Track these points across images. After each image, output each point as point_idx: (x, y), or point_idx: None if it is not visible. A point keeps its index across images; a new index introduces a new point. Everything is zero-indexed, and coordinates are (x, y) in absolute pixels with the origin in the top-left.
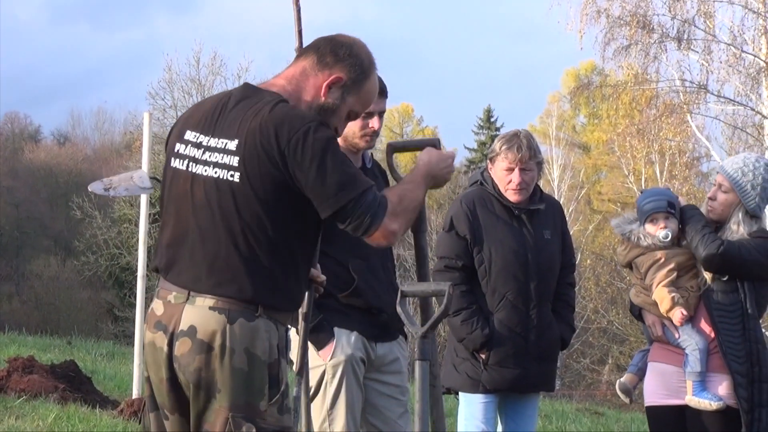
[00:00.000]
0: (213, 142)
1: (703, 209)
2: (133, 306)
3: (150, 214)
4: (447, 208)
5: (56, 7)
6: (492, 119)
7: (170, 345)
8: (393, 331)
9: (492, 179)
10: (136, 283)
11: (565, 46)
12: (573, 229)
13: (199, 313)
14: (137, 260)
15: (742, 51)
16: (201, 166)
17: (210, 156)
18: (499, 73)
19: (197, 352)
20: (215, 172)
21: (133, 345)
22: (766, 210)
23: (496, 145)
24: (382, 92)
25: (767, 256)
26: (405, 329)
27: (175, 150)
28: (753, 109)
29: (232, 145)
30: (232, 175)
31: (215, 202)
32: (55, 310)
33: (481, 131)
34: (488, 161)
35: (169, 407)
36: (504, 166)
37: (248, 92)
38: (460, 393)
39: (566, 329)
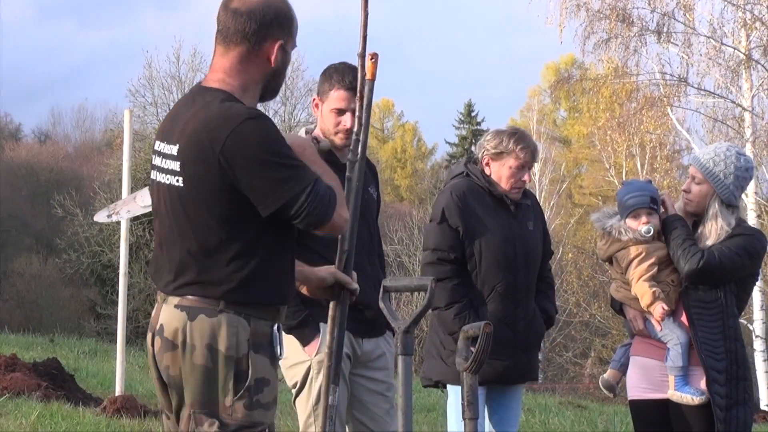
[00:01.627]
0: (165, 149)
1: (679, 203)
2: (115, 303)
3: None
4: (429, 203)
5: (42, 4)
6: (473, 114)
7: (152, 344)
8: (379, 327)
9: (481, 172)
10: (118, 281)
11: (545, 40)
12: (554, 223)
13: (167, 311)
14: (119, 258)
15: (722, 44)
16: (161, 175)
17: (163, 163)
18: (479, 68)
19: (165, 350)
20: (167, 179)
21: (116, 342)
22: (743, 197)
23: (507, 141)
24: (357, 90)
25: (747, 256)
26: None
27: (153, 162)
28: (733, 102)
29: (175, 150)
30: (177, 180)
31: (169, 208)
32: (37, 308)
33: (461, 126)
34: (487, 156)
35: (165, 407)
36: (515, 163)
37: (193, 94)
38: (448, 386)
39: (551, 306)
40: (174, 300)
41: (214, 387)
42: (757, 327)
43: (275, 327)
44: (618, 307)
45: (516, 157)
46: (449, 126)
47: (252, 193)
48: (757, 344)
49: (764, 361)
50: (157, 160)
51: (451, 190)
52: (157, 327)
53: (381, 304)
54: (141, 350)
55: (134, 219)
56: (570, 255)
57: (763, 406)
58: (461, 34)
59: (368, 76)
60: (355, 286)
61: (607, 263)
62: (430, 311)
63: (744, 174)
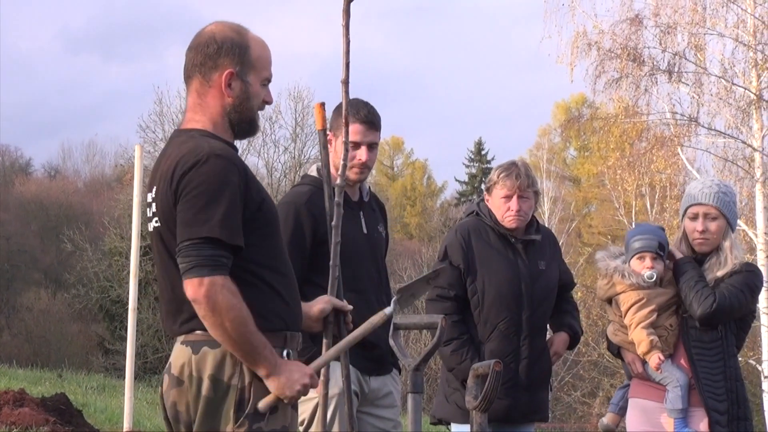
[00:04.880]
0: (149, 197)
1: (681, 248)
2: (123, 339)
3: (141, 247)
4: (438, 241)
5: (68, 38)
6: (483, 152)
7: (161, 384)
8: (387, 365)
9: (489, 210)
10: (126, 316)
11: (556, 79)
12: None
13: (175, 350)
14: (128, 293)
15: (733, 84)
16: (150, 223)
17: (149, 210)
18: (490, 106)
19: (172, 387)
20: (152, 225)
21: (124, 378)
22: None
23: (494, 174)
24: (372, 124)
25: (749, 293)
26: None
27: (147, 214)
28: (744, 142)
29: (153, 193)
30: (157, 222)
31: (156, 251)
32: (46, 343)
33: (471, 164)
34: (485, 192)
35: None
36: (502, 193)
37: (174, 137)
38: (451, 424)
39: (576, 324)
40: (180, 338)
41: (217, 417)
42: (766, 367)
43: (285, 353)
44: (616, 350)
45: (500, 187)
46: (459, 164)
47: (178, 221)
48: (766, 385)
49: None
50: (147, 210)
51: (457, 229)
52: (167, 367)
53: (391, 342)
54: (149, 386)
55: (143, 254)
56: (579, 294)
57: None
58: (472, 73)
59: (317, 126)
60: (349, 307)
61: (606, 303)
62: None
63: (735, 200)
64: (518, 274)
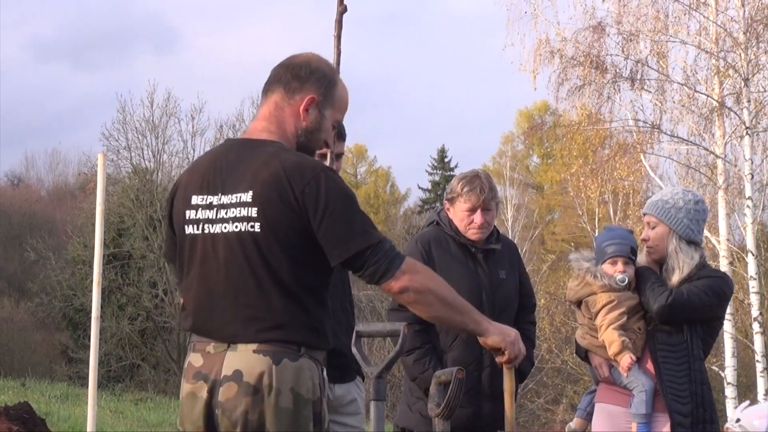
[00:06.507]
0: (226, 199)
1: (642, 256)
2: (87, 347)
3: (104, 255)
4: (401, 248)
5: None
6: (446, 159)
7: (211, 392)
8: (351, 372)
9: (449, 220)
10: (90, 325)
11: (519, 86)
12: (527, 269)
13: (244, 357)
14: (91, 302)
15: (695, 91)
16: (219, 225)
17: (226, 213)
18: (452, 114)
19: (244, 395)
20: (236, 227)
21: (88, 386)
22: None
23: (457, 186)
24: (340, 135)
25: (715, 296)
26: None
27: (186, 217)
28: (706, 149)
29: (247, 197)
30: (252, 226)
31: (241, 255)
32: (9, 351)
33: (435, 171)
34: (446, 201)
35: None
36: (465, 207)
37: (247, 145)
38: None
39: (525, 363)
40: (251, 346)
41: (298, 430)
42: (729, 374)
43: (324, 372)
44: (583, 354)
45: (464, 200)
46: (422, 171)
47: (326, 241)
48: (729, 391)
49: (735, 408)
50: (205, 213)
51: (417, 239)
52: (224, 374)
53: (353, 349)
54: (113, 394)
55: (107, 263)
56: (543, 301)
57: None
58: (436, 80)
59: None
60: None
61: (575, 307)
62: None
63: (695, 207)
64: (479, 283)
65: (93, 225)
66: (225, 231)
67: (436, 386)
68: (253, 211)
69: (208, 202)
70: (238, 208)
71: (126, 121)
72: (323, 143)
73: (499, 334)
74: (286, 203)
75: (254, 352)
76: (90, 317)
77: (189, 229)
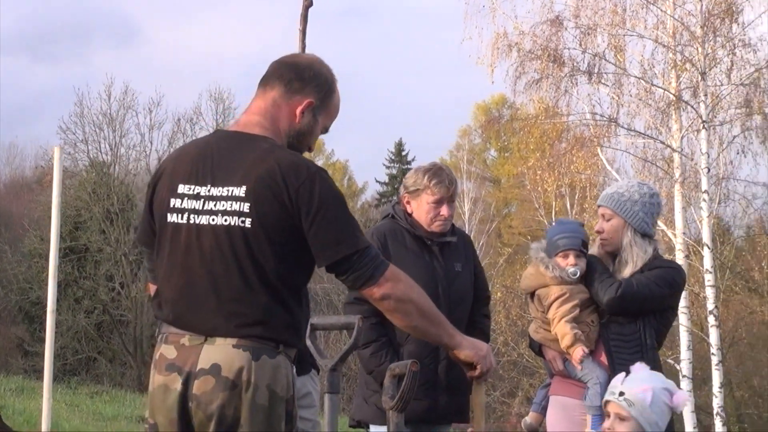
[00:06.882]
0: (215, 191)
1: (593, 249)
2: (43, 341)
3: (60, 249)
4: None
5: None
6: (403, 153)
7: (185, 384)
8: (306, 365)
9: (404, 213)
10: (46, 318)
11: (476, 80)
12: (483, 263)
13: (223, 351)
14: (47, 295)
15: (652, 84)
16: (205, 216)
17: (215, 205)
18: (411, 108)
19: (221, 390)
20: (225, 220)
21: (43, 380)
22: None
23: (422, 178)
24: None
25: (667, 286)
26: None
27: (171, 205)
28: (663, 143)
29: (240, 191)
30: (243, 221)
31: (228, 249)
32: None
33: (392, 165)
34: (406, 194)
35: None
36: (432, 199)
37: (240, 138)
38: (370, 426)
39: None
40: (231, 340)
41: (271, 428)
42: (684, 367)
43: (294, 369)
44: (537, 348)
45: (431, 193)
46: (380, 165)
47: (315, 242)
48: (684, 384)
49: (690, 401)
50: (191, 203)
51: (373, 232)
52: (200, 367)
53: (308, 342)
54: (68, 388)
55: (63, 256)
56: (499, 294)
57: None
58: (394, 74)
59: None
60: None
61: (528, 298)
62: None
63: (650, 200)
64: (435, 276)
65: (50, 218)
66: (213, 223)
67: (390, 379)
68: (245, 207)
69: (195, 192)
70: (230, 202)
71: (83, 115)
72: (308, 147)
73: (471, 349)
74: (279, 201)
75: (234, 346)
76: (46, 310)
77: (172, 218)
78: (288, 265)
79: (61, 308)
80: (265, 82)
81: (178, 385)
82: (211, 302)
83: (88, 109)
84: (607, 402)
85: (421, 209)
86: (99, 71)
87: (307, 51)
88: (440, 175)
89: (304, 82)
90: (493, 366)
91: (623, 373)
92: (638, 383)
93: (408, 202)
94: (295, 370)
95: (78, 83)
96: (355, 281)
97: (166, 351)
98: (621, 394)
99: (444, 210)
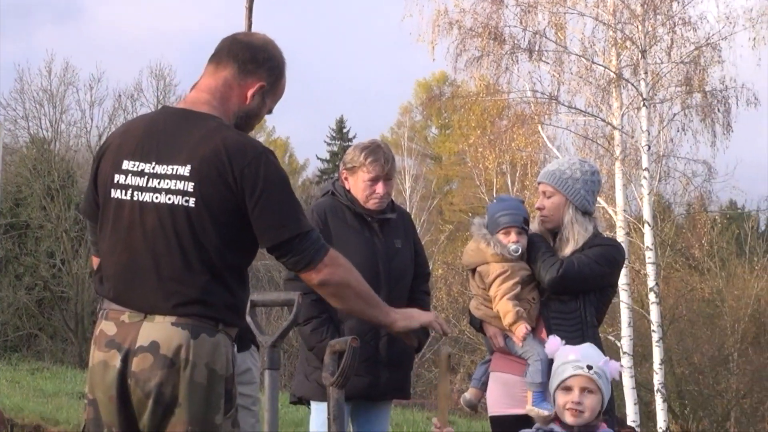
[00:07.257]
0: (159, 168)
1: (534, 225)
2: None
3: (1, 225)
4: None
5: None
6: (344, 130)
7: (125, 361)
8: (246, 342)
9: (344, 189)
10: None
11: (417, 57)
12: (425, 240)
13: (161, 328)
14: None
15: (593, 62)
16: (149, 194)
17: (159, 183)
18: (351, 84)
19: (159, 367)
20: (168, 199)
21: None
22: (612, 214)
23: (359, 156)
24: None
25: (608, 264)
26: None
27: (114, 181)
28: (603, 120)
29: (184, 170)
30: (186, 201)
31: (170, 228)
32: None
33: (333, 142)
34: (344, 171)
35: (117, 426)
36: (368, 177)
37: (187, 116)
38: (311, 402)
39: (421, 332)
40: (170, 318)
41: (209, 406)
42: (625, 343)
43: (235, 348)
44: (478, 325)
45: (367, 171)
46: (321, 142)
47: (259, 224)
48: (625, 360)
49: (631, 377)
50: (135, 180)
51: (313, 209)
52: (139, 344)
53: (248, 319)
54: (9, 364)
55: (4, 233)
56: (440, 271)
57: (629, 422)
58: (335, 51)
59: None
60: None
61: (469, 274)
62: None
63: (591, 178)
64: (375, 252)
65: None
66: (156, 201)
67: (330, 355)
68: (190, 186)
69: (139, 169)
70: (174, 181)
71: (23, 91)
72: (252, 128)
73: (405, 320)
74: (224, 181)
75: (172, 324)
76: None
77: (115, 194)
78: (230, 245)
79: (2, 284)
80: (218, 59)
81: (117, 362)
82: (152, 280)
83: (29, 85)
84: (573, 376)
85: (358, 186)
86: (40, 47)
87: (253, 29)
88: (377, 153)
89: (258, 65)
90: (434, 319)
91: (566, 346)
92: (596, 356)
93: (346, 179)
94: (235, 348)
95: (18, 59)
96: (295, 265)
97: (106, 327)
98: (589, 367)
99: (379, 188)
